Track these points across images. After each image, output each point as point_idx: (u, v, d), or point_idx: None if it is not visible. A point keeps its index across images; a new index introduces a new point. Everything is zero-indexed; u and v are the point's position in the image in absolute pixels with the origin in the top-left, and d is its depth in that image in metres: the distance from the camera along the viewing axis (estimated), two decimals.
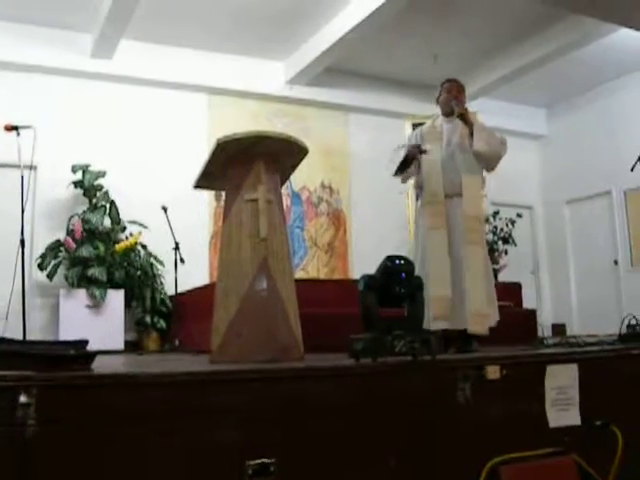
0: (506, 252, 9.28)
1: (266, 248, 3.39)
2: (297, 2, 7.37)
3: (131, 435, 2.06)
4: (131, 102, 8.15)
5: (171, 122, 8.35)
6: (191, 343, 6.05)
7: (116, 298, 6.98)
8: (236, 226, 3.46)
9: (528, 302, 7.72)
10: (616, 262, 9.66)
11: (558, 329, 9.55)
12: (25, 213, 5.26)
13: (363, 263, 7.58)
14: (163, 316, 7.29)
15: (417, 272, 3.58)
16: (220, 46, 8.29)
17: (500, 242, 9.29)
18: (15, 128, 5.29)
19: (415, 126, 6.07)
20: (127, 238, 7.39)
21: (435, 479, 2.58)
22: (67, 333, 6.39)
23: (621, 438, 2.94)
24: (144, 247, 7.46)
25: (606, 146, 9.67)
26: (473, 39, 8.34)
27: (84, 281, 6.86)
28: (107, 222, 7.38)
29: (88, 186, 7.29)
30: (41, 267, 6.93)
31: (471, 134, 4.33)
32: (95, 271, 6.85)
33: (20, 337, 5.04)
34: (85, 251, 6.93)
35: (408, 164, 4.38)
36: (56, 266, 6.97)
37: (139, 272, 7.30)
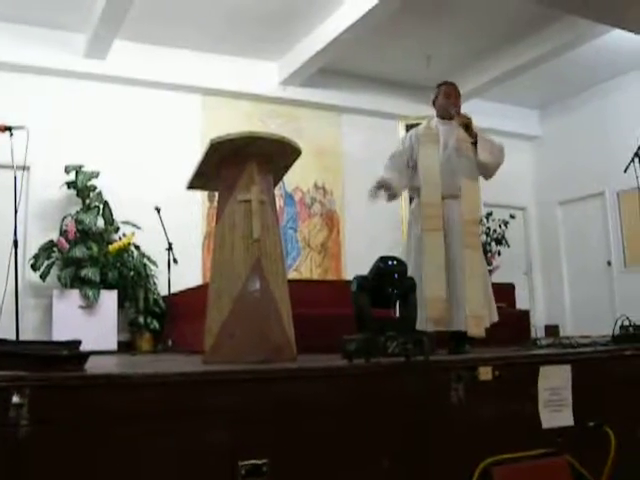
0: (499, 253, 9.25)
1: (259, 249, 3.39)
2: (291, 3, 7.37)
3: (124, 435, 2.06)
4: (125, 103, 8.14)
5: (165, 123, 8.34)
6: (184, 344, 6.04)
7: (109, 298, 6.97)
8: (229, 227, 3.46)
9: (521, 303, 7.73)
10: (609, 263, 9.67)
11: (551, 330, 9.56)
12: (18, 214, 5.22)
13: (356, 264, 7.57)
14: (156, 317, 7.28)
15: (410, 273, 3.59)
16: (214, 47, 8.28)
17: (493, 243, 9.28)
18: (8, 128, 5.24)
19: (409, 127, 6.05)
20: (120, 239, 7.37)
21: (428, 479, 2.59)
22: (60, 333, 6.36)
23: (614, 439, 2.96)
24: (137, 248, 7.45)
25: (599, 147, 9.69)
26: (466, 40, 8.35)
27: (77, 281, 6.85)
28: (100, 223, 7.37)
29: (81, 187, 7.27)
30: (34, 267, 6.92)
31: (474, 143, 4.34)
32: (88, 271, 6.84)
33: (13, 337, 5.02)
34: (78, 251, 6.92)
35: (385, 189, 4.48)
36: (49, 266, 6.96)
37: (132, 273, 7.29)
